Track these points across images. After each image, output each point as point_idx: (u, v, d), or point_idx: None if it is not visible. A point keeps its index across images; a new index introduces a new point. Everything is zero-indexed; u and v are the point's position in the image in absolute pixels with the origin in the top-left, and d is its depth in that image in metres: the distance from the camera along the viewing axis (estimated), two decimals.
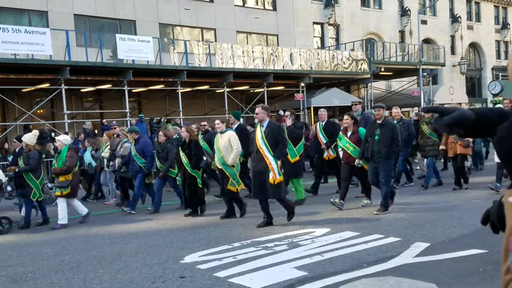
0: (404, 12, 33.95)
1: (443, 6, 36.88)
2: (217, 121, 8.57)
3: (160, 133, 10.13)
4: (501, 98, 30.19)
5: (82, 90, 19.93)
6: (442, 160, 13.92)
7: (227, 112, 20.46)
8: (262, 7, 27.60)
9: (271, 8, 27.79)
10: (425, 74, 28.42)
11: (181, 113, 19.81)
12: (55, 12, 20.48)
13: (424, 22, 33.84)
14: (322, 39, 30.27)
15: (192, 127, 10.80)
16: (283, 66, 22.36)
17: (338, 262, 5.38)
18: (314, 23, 29.62)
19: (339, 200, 8.58)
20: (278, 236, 6.86)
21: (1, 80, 15.84)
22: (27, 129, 17.31)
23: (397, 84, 30.62)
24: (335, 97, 24.24)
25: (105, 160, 11.10)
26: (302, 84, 23.31)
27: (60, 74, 16.70)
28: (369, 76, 25.84)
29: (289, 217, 7.74)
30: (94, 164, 11.82)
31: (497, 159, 9.10)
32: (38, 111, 19.08)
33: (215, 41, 23.68)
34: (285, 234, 6.95)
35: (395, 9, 33.86)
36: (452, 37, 37.84)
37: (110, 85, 19.21)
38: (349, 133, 8.76)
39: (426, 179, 10.83)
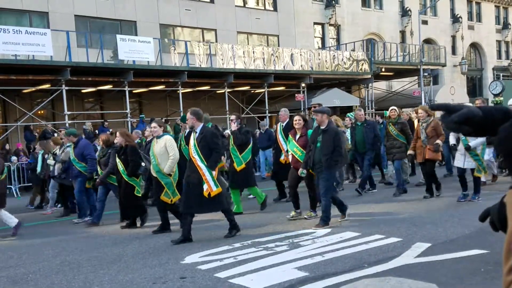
0: (404, 13, 33.94)
1: (444, 6, 36.83)
2: (153, 124, 7.82)
3: (101, 137, 9.07)
4: (502, 98, 30.18)
5: (82, 91, 19.94)
6: (410, 165, 12.72)
7: (227, 112, 20.45)
8: (263, 8, 27.61)
9: (272, 9, 27.80)
10: (426, 74, 28.43)
11: (181, 113, 19.79)
12: (56, 13, 20.50)
13: (424, 22, 33.81)
14: (322, 39, 30.27)
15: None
16: (284, 67, 22.37)
17: (339, 262, 5.37)
18: (314, 23, 29.62)
19: (294, 212, 7.99)
20: (279, 236, 6.85)
21: (2, 81, 15.86)
22: (27, 130, 17.35)
23: (398, 84, 30.60)
24: (336, 97, 24.26)
25: (51, 167, 10.39)
26: (303, 85, 23.33)
27: (61, 75, 16.72)
28: (369, 76, 25.85)
29: (231, 232, 6.98)
30: (39, 169, 11.16)
31: (457, 164, 8.61)
32: (39, 112, 19.11)
33: (216, 41, 23.70)
34: (285, 234, 6.94)
35: (396, 10, 33.85)
36: (453, 37, 37.82)
37: (111, 86, 19.22)
38: (298, 136, 8.11)
39: (397, 185, 10.03)
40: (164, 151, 7.50)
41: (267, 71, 21.71)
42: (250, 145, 9.01)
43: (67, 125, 17.17)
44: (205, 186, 6.63)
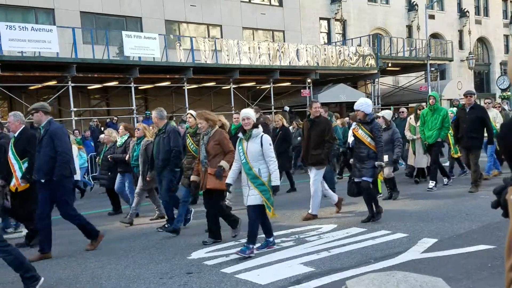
0: (411, 7, 33.73)
1: (451, 1, 36.60)
2: None
3: None
4: (509, 93, 29.97)
5: (88, 87, 20.03)
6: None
7: (233, 108, 20.46)
8: (268, 3, 27.53)
9: (277, 4, 27.71)
10: (432, 69, 28.29)
11: (187, 110, 19.81)
12: (61, 10, 20.56)
13: (431, 16, 33.60)
14: (328, 34, 30.16)
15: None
16: (290, 62, 22.33)
17: (345, 258, 5.37)
18: (320, 18, 29.52)
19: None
20: (285, 232, 6.85)
21: (8, 78, 15.93)
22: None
23: (404, 80, 30.48)
24: (342, 93, 24.20)
25: None
26: (309, 80, 23.27)
27: (67, 72, 16.78)
28: (376, 71, 25.74)
29: None
30: None
31: (245, 201, 5.84)
32: None
33: (221, 37, 23.67)
34: (292, 230, 6.94)
35: (402, 4, 33.64)
36: (460, 31, 37.56)
37: (117, 82, 19.28)
38: None
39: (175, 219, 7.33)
40: None
41: (273, 67, 21.67)
42: None
43: (73, 121, 17.26)
44: None
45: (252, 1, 26.75)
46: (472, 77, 37.77)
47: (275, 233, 6.76)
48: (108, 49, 18.13)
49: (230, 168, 6.07)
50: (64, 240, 7.36)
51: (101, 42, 19.26)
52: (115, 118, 18.54)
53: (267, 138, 5.80)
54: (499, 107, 12.46)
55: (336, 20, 30.11)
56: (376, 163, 6.99)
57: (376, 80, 26.62)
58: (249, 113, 5.84)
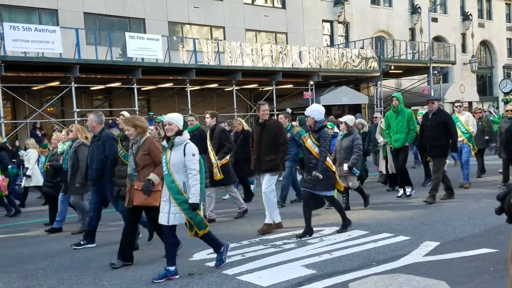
0: (414, 10, 33.72)
1: (454, 4, 36.57)
2: None
3: None
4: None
5: (91, 88, 20.06)
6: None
7: (235, 110, 20.49)
8: (271, 5, 27.56)
9: (280, 6, 27.74)
10: (435, 72, 28.26)
11: (189, 111, 19.82)
12: (65, 10, 20.61)
13: (434, 19, 33.58)
14: (331, 37, 30.17)
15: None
16: (292, 64, 22.34)
17: (347, 260, 5.36)
18: (323, 20, 29.53)
19: None
20: (286, 234, 6.85)
21: (11, 78, 15.97)
22: (34, 128, 17.46)
23: (407, 82, 30.45)
24: (344, 95, 24.21)
25: None
26: (311, 82, 23.28)
27: (70, 72, 16.81)
28: (378, 74, 25.74)
29: None
30: None
31: (161, 220, 5.10)
32: (48, 109, 19.24)
33: (224, 39, 23.70)
34: (293, 232, 6.93)
35: (405, 7, 33.64)
36: (463, 35, 37.53)
37: (120, 83, 19.30)
38: None
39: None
40: None
41: (275, 69, 21.68)
42: None
43: (76, 122, 17.28)
44: None
45: (255, 3, 26.79)
46: (475, 81, 37.73)
47: (276, 235, 6.76)
48: (111, 50, 18.17)
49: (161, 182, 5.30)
50: (66, 240, 7.37)
51: (104, 43, 19.29)
52: (118, 119, 18.54)
53: (191, 147, 5.05)
54: (480, 112, 12.20)
55: (339, 22, 30.12)
56: (313, 172, 6.43)
57: (379, 82, 26.61)
58: (173, 118, 5.12)
